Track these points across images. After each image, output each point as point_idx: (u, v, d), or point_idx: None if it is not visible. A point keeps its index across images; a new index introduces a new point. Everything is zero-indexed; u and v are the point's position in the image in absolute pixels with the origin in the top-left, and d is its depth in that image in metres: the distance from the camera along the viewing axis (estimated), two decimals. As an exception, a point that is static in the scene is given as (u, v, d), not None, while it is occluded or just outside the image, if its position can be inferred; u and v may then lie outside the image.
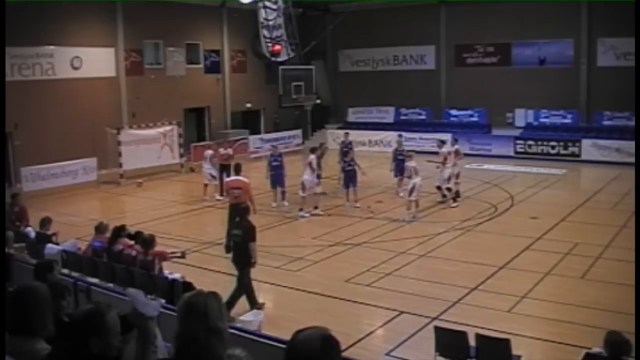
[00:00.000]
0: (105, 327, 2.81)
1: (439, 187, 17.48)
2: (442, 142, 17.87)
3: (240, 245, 9.53)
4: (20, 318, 3.16)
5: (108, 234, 10.32)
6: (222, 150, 19.70)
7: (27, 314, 3.16)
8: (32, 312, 3.17)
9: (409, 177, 15.68)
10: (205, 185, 18.64)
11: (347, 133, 21.39)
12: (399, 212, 16.12)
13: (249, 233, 9.44)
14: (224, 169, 19.25)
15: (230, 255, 12.52)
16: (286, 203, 17.09)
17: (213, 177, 18.67)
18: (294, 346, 2.38)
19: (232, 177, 13.19)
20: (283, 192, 17.34)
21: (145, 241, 9.43)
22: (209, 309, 2.78)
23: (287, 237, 13.81)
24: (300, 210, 16.01)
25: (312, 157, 16.53)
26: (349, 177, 17.04)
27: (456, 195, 17.25)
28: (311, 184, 16.22)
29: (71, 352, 2.80)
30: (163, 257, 9.42)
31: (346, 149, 19.67)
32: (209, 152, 19.26)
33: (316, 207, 16.26)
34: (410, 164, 15.79)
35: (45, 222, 11.55)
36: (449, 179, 17.09)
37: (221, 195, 18.72)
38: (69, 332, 2.85)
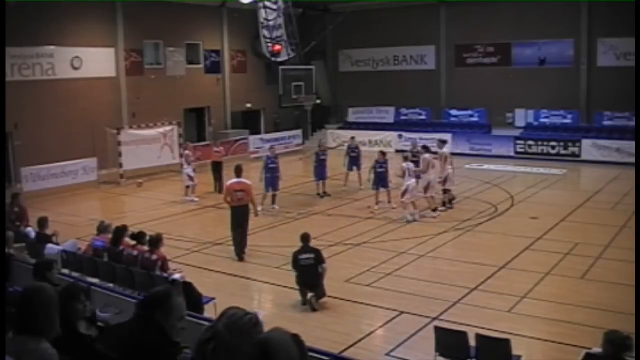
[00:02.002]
0: (168, 306, 3.23)
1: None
2: (443, 142, 17.68)
3: (313, 267, 9.79)
4: (27, 318, 3.17)
5: (109, 234, 10.33)
6: (214, 148, 19.88)
7: (34, 314, 3.17)
8: (38, 312, 3.18)
9: (402, 177, 15.55)
10: (187, 187, 18.46)
11: (353, 137, 20.88)
12: (399, 212, 16.12)
13: (321, 256, 9.92)
14: (217, 166, 19.36)
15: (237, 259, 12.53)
16: (276, 207, 16.77)
17: (190, 177, 18.41)
18: (270, 352, 2.31)
19: (235, 180, 12.81)
20: (274, 196, 17.02)
21: (152, 240, 9.48)
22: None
23: (286, 237, 13.76)
24: (434, 210, 15.83)
25: (427, 156, 16.23)
26: (380, 179, 16.68)
27: (450, 200, 16.78)
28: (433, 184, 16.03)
29: (138, 321, 3.27)
30: (164, 264, 9.40)
31: (354, 154, 19.52)
32: (187, 152, 19.17)
33: (435, 209, 15.91)
34: (406, 164, 15.64)
35: (43, 222, 11.54)
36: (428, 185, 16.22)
37: (219, 192, 18.72)
38: (141, 306, 3.31)
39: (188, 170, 18.52)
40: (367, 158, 19.39)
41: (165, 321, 3.22)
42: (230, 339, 2.50)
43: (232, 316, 2.57)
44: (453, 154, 25.80)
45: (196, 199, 18.27)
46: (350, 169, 19.43)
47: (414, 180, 15.49)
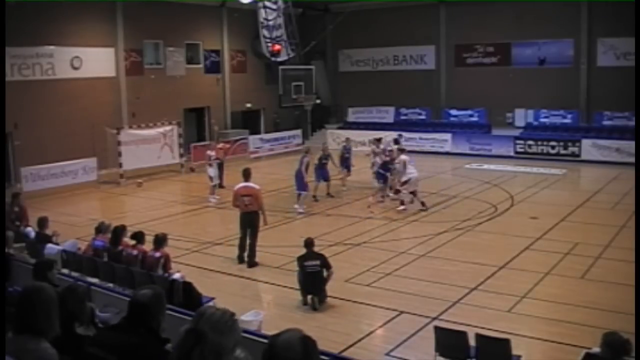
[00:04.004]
0: (159, 306, 3.30)
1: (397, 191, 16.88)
2: (397, 140, 18.44)
3: (319, 273, 9.80)
4: (27, 318, 3.17)
5: (110, 234, 10.32)
6: (219, 146, 20.00)
7: (34, 314, 3.17)
8: (38, 312, 3.18)
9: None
10: (214, 186, 18.40)
11: (348, 139, 21.11)
12: (398, 213, 16.14)
13: (327, 261, 9.95)
14: (221, 163, 19.41)
15: (240, 264, 12.21)
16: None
17: (210, 178, 18.43)
18: (274, 351, 2.35)
19: (242, 184, 12.27)
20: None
21: (158, 239, 9.50)
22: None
23: (287, 237, 13.80)
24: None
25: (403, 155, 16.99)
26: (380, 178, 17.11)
27: (422, 203, 16.46)
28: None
29: (130, 323, 3.26)
30: (167, 262, 9.44)
31: (347, 155, 19.64)
32: (208, 152, 19.17)
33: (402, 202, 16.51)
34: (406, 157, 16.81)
35: (43, 222, 11.54)
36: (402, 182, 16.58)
37: (221, 186, 18.77)
38: (139, 308, 3.26)
39: (209, 170, 18.47)
40: (367, 158, 19.41)
41: (156, 321, 3.26)
42: (218, 340, 2.53)
43: (212, 316, 2.60)
44: (453, 154, 26.13)
45: (213, 199, 18.00)
46: (342, 169, 19.55)
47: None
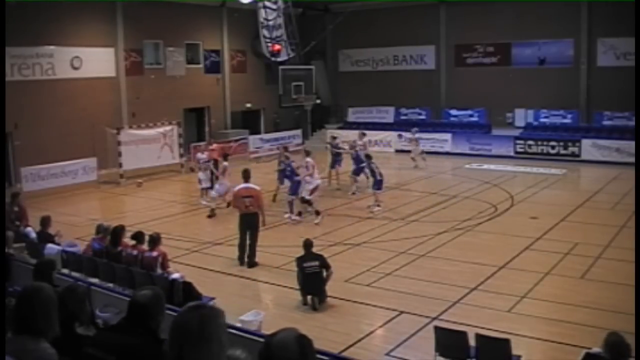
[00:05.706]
0: (159, 307, 3.29)
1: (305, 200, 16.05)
2: (363, 134, 19.83)
3: (318, 274, 9.80)
4: (26, 318, 3.17)
5: (108, 236, 10.30)
6: (214, 146, 19.85)
7: (33, 314, 3.17)
8: (37, 312, 3.18)
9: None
10: (209, 188, 18.10)
11: (333, 136, 21.76)
12: (399, 212, 16.14)
13: (326, 262, 9.94)
14: (215, 162, 19.32)
15: (240, 264, 12.13)
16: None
17: (199, 181, 17.93)
18: (270, 351, 2.35)
19: (243, 185, 12.27)
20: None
21: (152, 239, 9.56)
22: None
23: (287, 237, 13.80)
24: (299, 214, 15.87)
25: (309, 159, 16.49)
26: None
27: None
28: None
29: (130, 324, 3.27)
30: (165, 260, 9.46)
31: (336, 151, 19.97)
32: (198, 154, 18.87)
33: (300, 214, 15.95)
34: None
35: (45, 221, 11.54)
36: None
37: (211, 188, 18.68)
38: (138, 309, 3.26)
39: (199, 174, 18.05)
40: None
41: (155, 321, 3.26)
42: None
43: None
44: (453, 154, 26.12)
45: (203, 202, 17.61)
46: (332, 167, 19.86)
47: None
